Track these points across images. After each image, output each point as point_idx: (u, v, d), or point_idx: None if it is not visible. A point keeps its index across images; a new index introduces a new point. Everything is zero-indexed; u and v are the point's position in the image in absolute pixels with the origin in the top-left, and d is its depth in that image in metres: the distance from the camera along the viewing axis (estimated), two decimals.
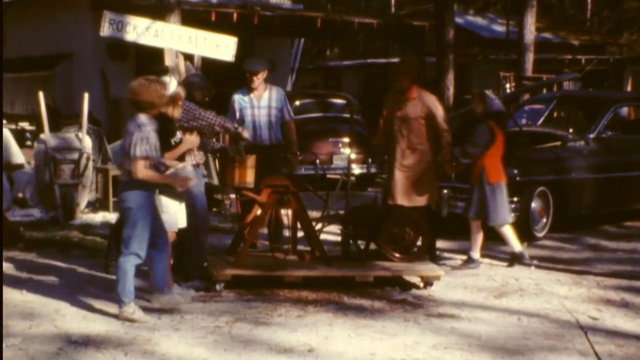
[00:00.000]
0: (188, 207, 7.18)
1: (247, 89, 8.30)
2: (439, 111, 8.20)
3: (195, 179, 7.02)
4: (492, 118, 8.50)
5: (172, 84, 6.95)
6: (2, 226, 8.33)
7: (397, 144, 8.16)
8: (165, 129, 6.85)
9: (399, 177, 8.13)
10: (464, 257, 8.75)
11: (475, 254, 8.62)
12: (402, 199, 8.10)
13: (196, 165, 7.33)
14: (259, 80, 8.24)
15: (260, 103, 8.27)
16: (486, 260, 9.01)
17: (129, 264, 6.43)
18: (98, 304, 6.88)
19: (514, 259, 8.73)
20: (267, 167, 7.85)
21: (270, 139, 8.27)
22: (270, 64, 8.52)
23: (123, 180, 6.54)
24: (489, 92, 8.68)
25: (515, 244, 8.72)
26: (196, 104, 7.44)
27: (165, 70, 8.06)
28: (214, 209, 10.95)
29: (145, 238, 6.45)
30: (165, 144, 6.83)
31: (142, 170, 6.37)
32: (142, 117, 6.44)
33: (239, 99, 8.31)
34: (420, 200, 8.15)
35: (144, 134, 6.36)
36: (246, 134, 7.45)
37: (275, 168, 8.11)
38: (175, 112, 6.92)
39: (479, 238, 8.64)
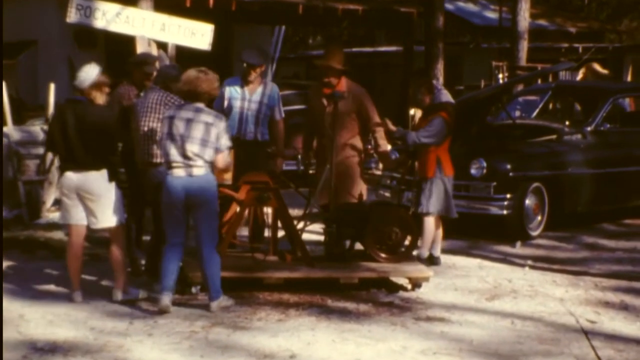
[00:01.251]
0: None
1: (242, 80, 8.29)
2: (371, 104, 8.21)
3: None
4: (442, 110, 8.49)
5: (93, 71, 7.05)
6: (1, 224, 8.33)
7: (330, 141, 8.02)
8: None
9: (323, 177, 8.03)
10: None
11: (437, 251, 8.67)
12: (337, 198, 8.03)
13: None
14: (256, 73, 8.25)
15: (252, 97, 8.26)
16: (477, 260, 9.06)
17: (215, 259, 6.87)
18: (65, 308, 6.86)
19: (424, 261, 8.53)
20: (249, 163, 7.85)
21: (255, 134, 8.26)
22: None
23: (198, 173, 6.71)
24: (436, 83, 8.70)
25: (428, 248, 8.62)
26: None
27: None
28: None
29: None
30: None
31: (227, 160, 6.95)
32: (204, 106, 6.83)
33: (230, 88, 8.28)
34: (354, 198, 8.16)
35: (225, 123, 6.85)
36: None
37: (258, 165, 8.09)
38: (99, 100, 7.05)
39: (439, 234, 8.65)
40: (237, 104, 8.24)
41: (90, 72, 7.05)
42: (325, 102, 8.13)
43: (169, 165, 6.76)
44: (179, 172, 6.72)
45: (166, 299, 6.75)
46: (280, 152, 8.42)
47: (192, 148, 6.66)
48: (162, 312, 6.70)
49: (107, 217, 7.05)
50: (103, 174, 6.96)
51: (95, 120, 6.98)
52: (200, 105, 6.82)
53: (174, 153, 6.71)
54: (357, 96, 8.14)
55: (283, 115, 8.49)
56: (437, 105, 8.47)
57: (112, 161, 7.12)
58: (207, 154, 6.71)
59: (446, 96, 8.57)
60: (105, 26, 11.18)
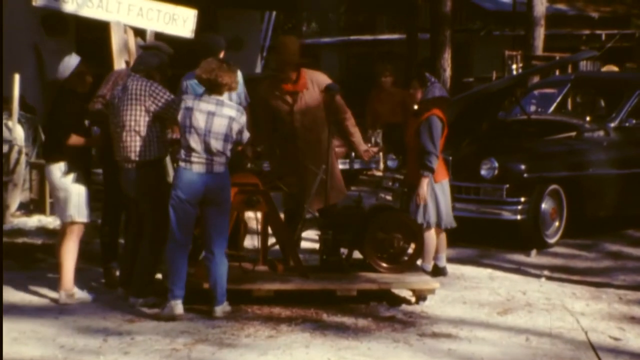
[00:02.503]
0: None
1: None
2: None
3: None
4: (434, 106, 8.41)
5: (73, 61, 7.52)
6: (1, 231, 8.52)
7: (302, 140, 8.07)
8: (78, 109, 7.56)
9: (318, 178, 7.96)
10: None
11: (442, 261, 8.69)
12: (330, 200, 8.04)
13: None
14: None
15: None
16: (488, 270, 9.08)
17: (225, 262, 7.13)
18: (31, 324, 6.87)
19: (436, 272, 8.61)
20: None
21: None
22: (235, 41, 8.50)
23: (219, 170, 7.01)
24: (428, 75, 8.64)
25: (431, 260, 8.65)
26: None
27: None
28: None
29: None
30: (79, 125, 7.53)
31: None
32: (224, 99, 7.11)
33: (191, 85, 8.01)
34: (338, 197, 8.20)
35: (246, 116, 7.20)
36: None
37: (237, 163, 8.06)
38: (80, 89, 7.53)
39: (442, 243, 8.63)
40: None
41: (70, 62, 7.50)
42: (289, 99, 8.09)
43: (188, 159, 6.96)
44: (199, 168, 6.96)
45: (179, 307, 6.98)
46: (248, 143, 8.32)
47: (215, 144, 6.94)
48: (174, 320, 6.92)
49: (66, 211, 7.50)
50: (60, 166, 7.42)
51: (60, 110, 7.47)
52: (221, 97, 7.05)
53: (196, 147, 6.94)
54: (321, 84, 8.12)
55: (249, 100, 8.44)
56: (430, 101, 8.38)
57: (71, 154, 7.44)
58: (228, 149, 7.01)
59: (440, 90, 8.48)
60: (76, 10, 11.13)
